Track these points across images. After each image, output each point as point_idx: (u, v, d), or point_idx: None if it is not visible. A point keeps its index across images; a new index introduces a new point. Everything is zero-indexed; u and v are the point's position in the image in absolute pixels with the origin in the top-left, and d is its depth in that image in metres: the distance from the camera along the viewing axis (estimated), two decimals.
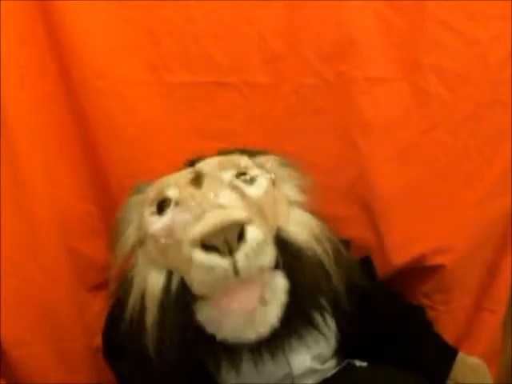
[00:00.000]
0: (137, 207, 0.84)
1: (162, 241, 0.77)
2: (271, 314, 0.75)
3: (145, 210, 0.81)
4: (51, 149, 1.03)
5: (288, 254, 0.77)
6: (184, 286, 0.75)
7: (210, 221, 0.71)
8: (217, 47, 1.05)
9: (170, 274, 0.77)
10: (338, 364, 0.91)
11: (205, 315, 0.75)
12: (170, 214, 0.77)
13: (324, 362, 0.89)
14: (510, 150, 1.05)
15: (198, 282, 0.72)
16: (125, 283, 0.82)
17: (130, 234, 0.84)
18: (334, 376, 0.89)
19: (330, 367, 0.90)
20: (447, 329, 1.04)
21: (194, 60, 1.05)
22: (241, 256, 0.70)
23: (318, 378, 0.88)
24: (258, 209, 0.77)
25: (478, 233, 1.06)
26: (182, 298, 0.76)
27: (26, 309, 1.00)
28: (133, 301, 0.79)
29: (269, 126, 1.07)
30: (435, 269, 1.06)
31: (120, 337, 0.80)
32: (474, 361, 0.94)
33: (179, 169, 0.85)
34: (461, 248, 1.05)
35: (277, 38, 1.05)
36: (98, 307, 1.04)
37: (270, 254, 0.74)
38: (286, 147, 1.00)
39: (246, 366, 0.80)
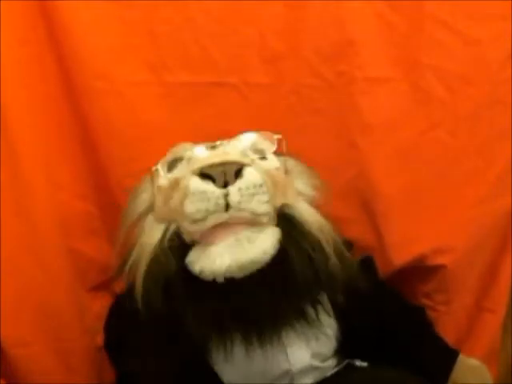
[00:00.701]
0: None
1: (167, 190, 0.79)
2: (264, 240, 0.76)
3: (159, 173, 0.83)
4: (51, 149, 1.03)
5: (292, 229, 0.79)
6: (178, 236, 0.78)
7: (213, 157, 0.77)
8: (217, 47, 1.05)
9: (167, 227, 0.80)
10: (338, 363, 0.90)
11: (192, 257, 0.77)
12: (179, 168, 0.81)
13: (324, 360, 0.88)
14: (510, 150, 1.06)
15: (190, 212, 0.75)
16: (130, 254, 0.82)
17: (142, 200, 0.86)
18: (333, 375, 0.89)
19: (330, 366, 0.89)
20: (448, 329, 1.04)
21: (194, 60, 1.05)
22: (234, 190, 0.74)
23: (318, 376, 0.87)
24: (268, 175, 0.79)
25: (477, 233, 1.06)
26: (172, 244, 0.78)
27: (26, 309, 1.00)
28: (132, 259, 0.80)
29: (269, 126, 1.07)
30: (435, 269, 1.06)
31: (121, 329, 0.81)
32: (473, 362, 0.94)
33: None
34: (461, 248, 1.05)
35: (277, 38, 1.05)
36: (98, 307, 1.03)
37: (265, 205, 0.76)
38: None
39: (238, 355, 0.79)
